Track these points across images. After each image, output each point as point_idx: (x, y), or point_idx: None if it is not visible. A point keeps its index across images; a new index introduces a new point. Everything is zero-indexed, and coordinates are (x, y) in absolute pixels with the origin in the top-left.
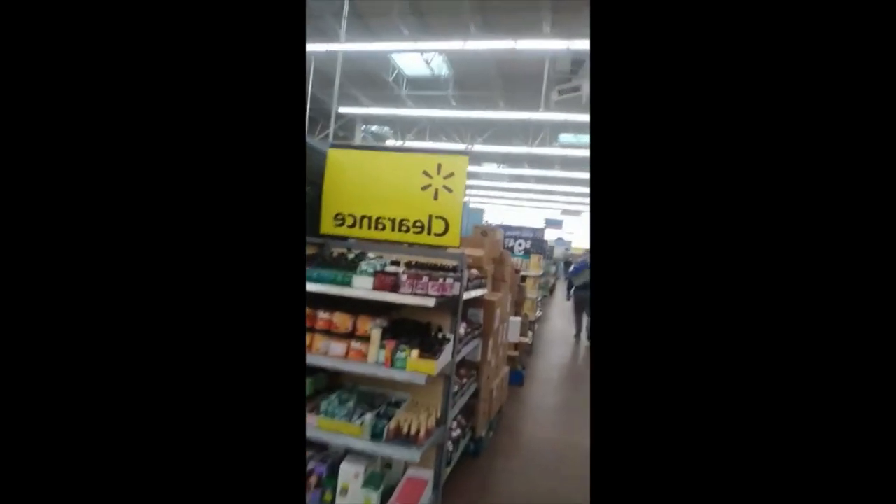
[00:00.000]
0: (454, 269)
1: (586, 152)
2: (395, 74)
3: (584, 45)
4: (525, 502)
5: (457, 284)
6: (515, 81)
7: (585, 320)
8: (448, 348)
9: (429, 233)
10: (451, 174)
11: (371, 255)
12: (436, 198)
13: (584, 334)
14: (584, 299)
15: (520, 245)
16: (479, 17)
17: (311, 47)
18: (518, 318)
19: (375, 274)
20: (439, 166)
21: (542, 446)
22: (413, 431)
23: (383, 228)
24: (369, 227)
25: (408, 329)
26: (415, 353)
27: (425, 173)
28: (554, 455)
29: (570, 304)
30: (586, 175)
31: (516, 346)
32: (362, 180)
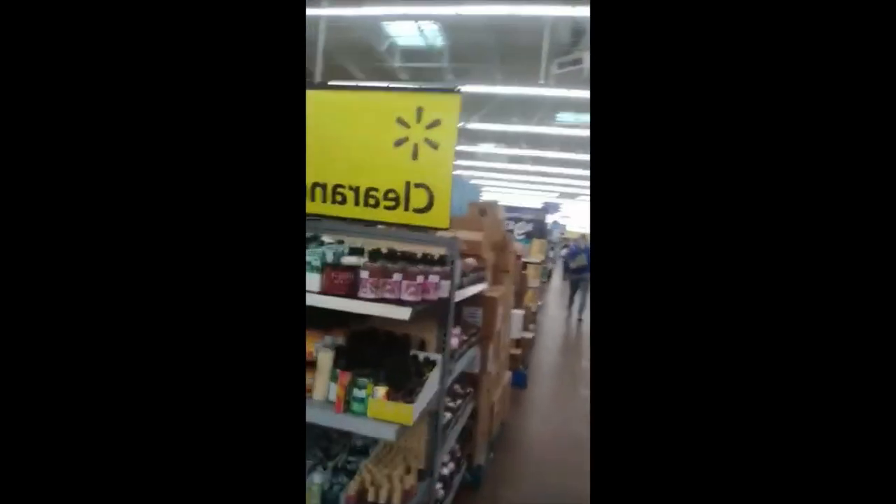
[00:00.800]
0: (442, 261)
1: (585, 132)
2: (387, 44)
3: (586, 11)
4: None
5: (445, 283)
6: (513, 53)
7: (578, 300)
8: (434, 377)
9: (406, 208)
10: (437, 122)
11: (327, 238)
12: (415, 157)
13: (576, 314)
14: (579, 281)
15: (520, 228)
16: None
17: None
18: (520, 312)
19: (324, 268)
20: (419, 111)
21: (553, 464)
22: (384, 499)
23: (342, 201)
24: (324, 199)
25: (374, 348)
26: (381, 390)
27: (400, 122)
28: (569, 474)
29: (566, 286)
30: (585, 157)
31: (518, 342)
32: (314, 133)
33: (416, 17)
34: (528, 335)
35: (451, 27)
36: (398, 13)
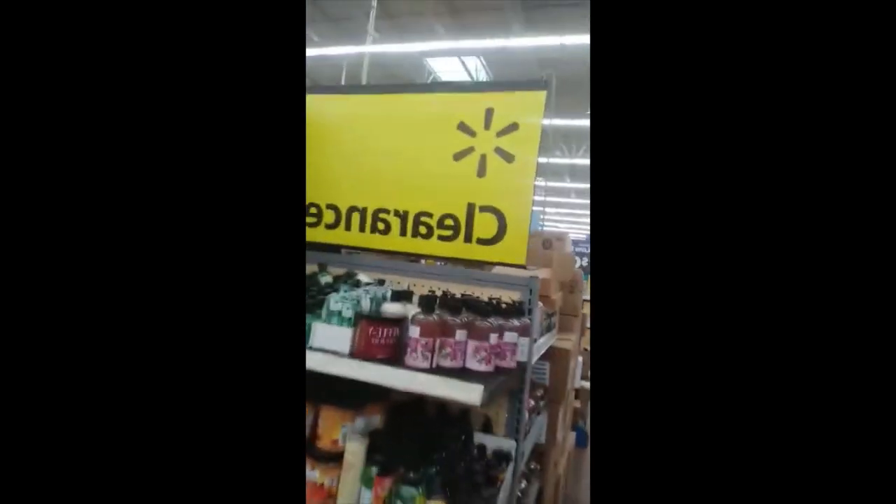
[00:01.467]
0: (517, 310)
1: None
2: (430, 79)
3: None
4: None
5: (524, 341)
6: (560, 86)
7: None
8: (507, 478)
9: (467, 238)
10: (512, 127)
11: (363, 277)
12: (482, 172)
13: None
14: None
15: (575, 262)
16: (522, 15)
17: (341, 50)
18: (579, 358)
19: (358, 320)
20: (490, 114)
21: None
22: None
23: (385, 230)
24: (362, 228)
25: (421, 433)
26: None
27: (463, 127)
28: None
29: None
30: None
31: (576, 393)
32: (355, 146)
33: (460, 53)
34: (587, 385)
35: (495, 61)
36: (442, 48)
